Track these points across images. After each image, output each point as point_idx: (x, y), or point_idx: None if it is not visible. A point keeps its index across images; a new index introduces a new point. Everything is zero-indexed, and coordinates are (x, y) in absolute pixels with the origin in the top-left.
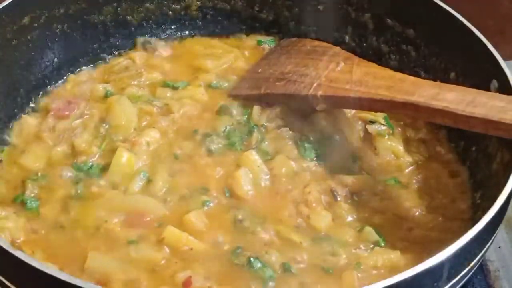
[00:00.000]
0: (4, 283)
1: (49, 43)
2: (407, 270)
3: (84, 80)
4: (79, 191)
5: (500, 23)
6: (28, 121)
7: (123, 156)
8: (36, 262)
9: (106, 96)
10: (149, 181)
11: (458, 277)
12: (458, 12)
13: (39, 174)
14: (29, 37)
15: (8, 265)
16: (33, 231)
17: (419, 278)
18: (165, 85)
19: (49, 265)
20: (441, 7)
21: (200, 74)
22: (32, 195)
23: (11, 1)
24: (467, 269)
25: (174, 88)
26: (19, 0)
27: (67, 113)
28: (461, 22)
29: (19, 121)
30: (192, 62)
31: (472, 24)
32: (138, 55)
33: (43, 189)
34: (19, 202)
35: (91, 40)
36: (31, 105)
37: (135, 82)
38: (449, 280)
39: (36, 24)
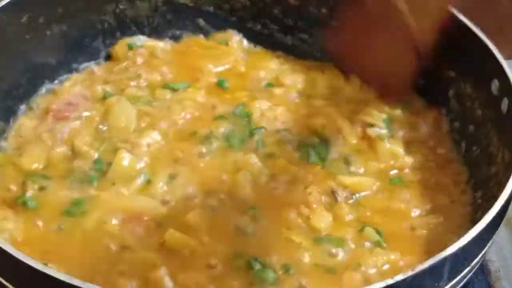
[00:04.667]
0: (4, 284)
1: (48, 43)
2: (407, 270)
3: (83, 80)
4: (78, 192)
5: (500, 22)
6: (27, 122)
7: (125, 158)
8: (35, 262)
9: (105, 97)
10: (149, 182)
11: (459, 277)
12: (458, 12)
13: (39, 175)
14: (27, 36)
15: (7, 266)
16: (32, 232)
17: (420, 278)
18: (165, 86)
19: (48, 266)
20: None
21: (200, 75)
22: (32, 196)
23: (10, 1)
24: (467, 269)
25: (174, 89)
26: (18, 0)
27: (66, 114)
28: (462, 22)
29: (18, 122)
30: (193, 64)
31: (472, 23)
32: (138, 56)
33: (43, 190)
34: (20, 203)
35: (90, 40)
36: (30, 106)
37: (135, 83)
38: (449, 280)
39: (34, 24)
